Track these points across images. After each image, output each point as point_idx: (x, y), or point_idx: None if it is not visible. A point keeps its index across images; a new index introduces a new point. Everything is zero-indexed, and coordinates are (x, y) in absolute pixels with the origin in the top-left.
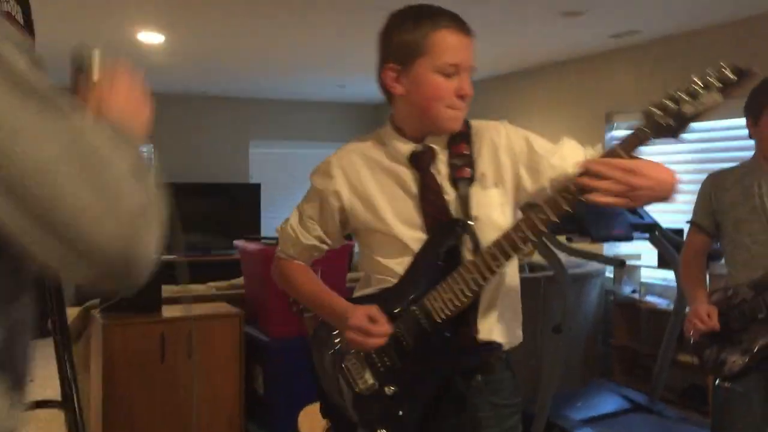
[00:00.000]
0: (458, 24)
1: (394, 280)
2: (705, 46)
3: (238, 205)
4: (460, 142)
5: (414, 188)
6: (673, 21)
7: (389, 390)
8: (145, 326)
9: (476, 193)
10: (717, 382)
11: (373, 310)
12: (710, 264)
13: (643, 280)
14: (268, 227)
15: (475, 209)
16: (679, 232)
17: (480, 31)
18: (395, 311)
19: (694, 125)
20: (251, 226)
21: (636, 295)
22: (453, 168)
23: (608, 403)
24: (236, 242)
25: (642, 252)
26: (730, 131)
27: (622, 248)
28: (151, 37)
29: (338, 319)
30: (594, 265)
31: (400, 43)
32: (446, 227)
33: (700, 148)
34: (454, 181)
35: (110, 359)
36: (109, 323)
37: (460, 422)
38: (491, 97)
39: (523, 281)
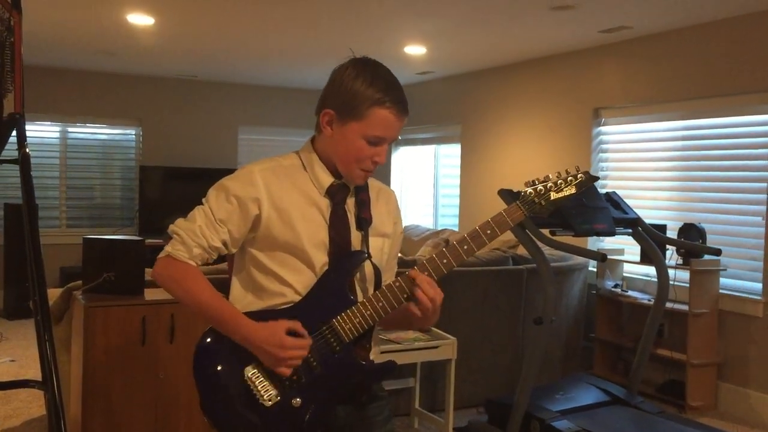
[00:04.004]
0: (399, 107)
1: (294, 296)
2: (694, 44)
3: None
4: (363, 190)
5: (326, 215)
6: (664, 18)
7: (296, 402)
8: (127, 309)
9: (371, 235)
10: None
11: (288, 323)
12: (692, 261)
13: (625, 274)
14: None
15: (369, 248)
16: (662, 228)
17: (470, 24)
18: (306, 329)
19: (675, 125)
20: None
21: (618, 290)
22: (359, 208)
23: (587, 395)
24: None
25: (625, 247)
26: (712, 130)
27: (606, 243)
28: (140, 19)
29: (245, 337)
30: (577, 259)
31: (345, 100)
32: (354, 256)
33: (681, 146)
34: (359, 220)
35: (91, 341)
36: (90, 305)
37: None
38: (480, 91)
39: (506, 273)
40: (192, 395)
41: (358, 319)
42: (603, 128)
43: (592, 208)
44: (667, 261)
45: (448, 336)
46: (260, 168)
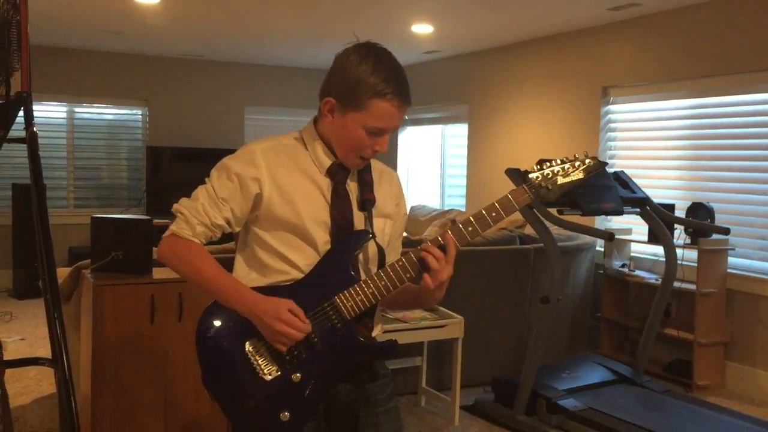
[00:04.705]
0: (402, 98)
1: (297, 274)
2: (704, 21)
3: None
4: (365, 171)
5: (327, 195)
6: None
7: (296, 377)
8: (135, 287)
9: (374, 216)
10: None
11: (292, 304)
12: (700, 241)
13: (632, 254)
14: None
15: (373, 229)
16: (670, 207)
17: (477, 2)
18: (308, 306)
19: (684, 103)
20: None
21: (625, 270)
22: (361, 188)
23: (593, 374)
24: None
25: (632, 226)
26: (721, 108)
27: (614, 222)
28: None
29: (249, 308)
30: (584, 239)
31: (346, 89)
32: (358, 235)
33: (690, 125)
34: (362, 200)
35: (100, 319)
36: (99, 283)
37: (359, 404)
38: (487, 70)
39: (513, 252)
40: (200, 373)
41: (360, 297)
42: (611, 107)
43: (600, 188)
44: (675, 240)
45: (455, 315)
46: (261, 147)
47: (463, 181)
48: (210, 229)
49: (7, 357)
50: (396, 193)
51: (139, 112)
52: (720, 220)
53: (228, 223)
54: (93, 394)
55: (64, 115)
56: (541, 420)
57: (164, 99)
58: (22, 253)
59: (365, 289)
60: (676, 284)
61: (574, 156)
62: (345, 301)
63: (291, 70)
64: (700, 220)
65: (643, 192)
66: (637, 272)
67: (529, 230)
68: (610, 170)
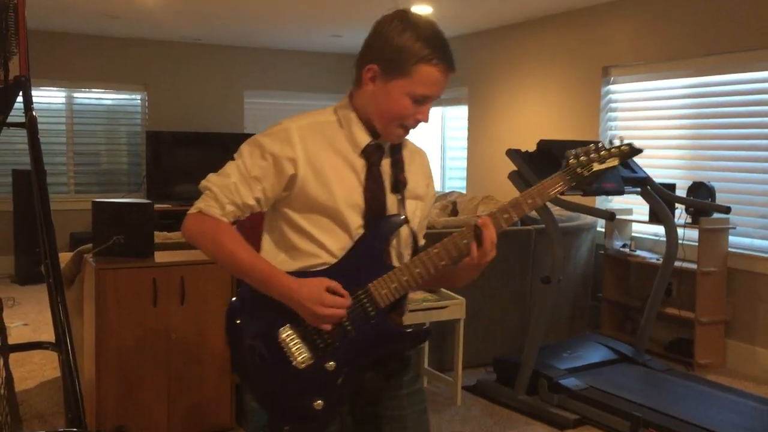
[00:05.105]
0: (447, 63)
1: (329, 258)
2: (706, 1)
3: (233, 154)
4: (397, 150)
5: (361, 177)
6: None
7: (330, 366)
8: (137, 271)
9: (406, 198)
10: None
11: (329, 281)
12: (700, 220)
13: (633, 234)
14: None
15: (406, 212)
16: (671, 187)
17: None
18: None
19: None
20: None
21: (626, 250)
22: (394, 169)
23: (594, 354)
24: None
25: (633, 206)
26: (721, 87)
27: (615, 202)
28: None
29: (287, 294)
30: (585, 219)
31: (390, 55)
32: (392, 220)
33: (690, 104)
34: (395, 182)
35: (103, 303)
36: (101, 267)
37: (389, 392)
38: (487, 51)
39: (515, 233)
40: (204, 355)
41: (394, 285)
42: (612, 87)
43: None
44: (676, 220)
45: (457, 296)
46: (297, 125)
47: (464, 164)
48: (240, 208)
49: (10, 342)
50: (426, 173)
51: (139, 96)
52: (720, 199)
53: (258, 202)
54: (97, 378)
55: (63, 100)
56: (543, 399)
57: (163, 84)
58: (23, 239)
59: (400, 277)
60: (677, 263)
61: (610, 142)
62: (379, 289)
63: (290, 53)
64: (701, 199)
65: (643, 172)
66: (638, 252)
67: None
68: None
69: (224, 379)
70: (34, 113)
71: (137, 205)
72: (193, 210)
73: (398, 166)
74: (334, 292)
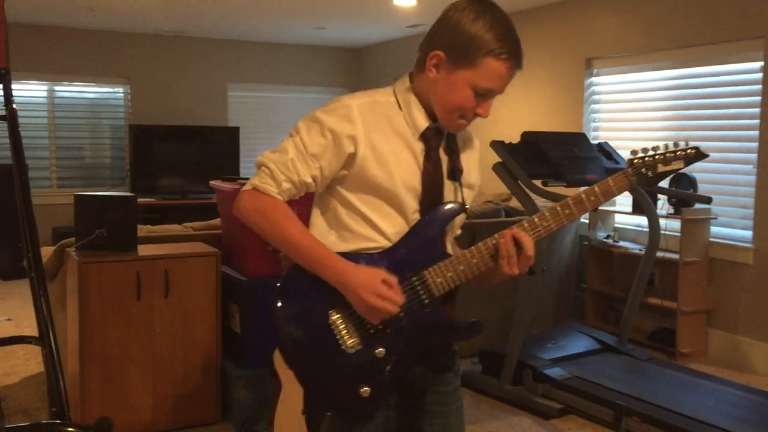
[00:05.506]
0: (515, 59)
1: (384, 242)
2: None
3: (217, 148)
4: (452, 137)
5: (420, 160)
6: None
7: (379, 353)
8: (120, 264)
9: (463, 187)
10: None
11: (386, 273)
12: (682, 210)
13: (616, 225)
14: (247, 171)
15: (463, 200)
16: None
17: None
18: (395, 277)
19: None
20: (230, 170)
21: (610, 240)
22: (450, 156)
23: (578, 344)
24: (212, 182)
25: (616, 198)
26: (703, 78)
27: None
28: None
29: (340, 279)
30: None
31: (459, 44)
32: (449, 206)
33: (673, 96)
34: (452, 168)
35: (86, 297)
36: (84, 260)
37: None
38: None
39: (499, 225)
40: (189, 349)
41: (450, 274)
42: (595, 79)
43: (583, 159)
44: (658, 211)
45: None
46: (358, 103)
47: None
48: (296, 186)
49: None
50: (477, 163)
51: (121, 90)
52: (702, 189)
53: (315, 181)
54: (81, 372)
55: (45, 94)
56: (528, 389)
57: (146, 77)
58: (5, 234)
59: (456, 266)
60: (660, 254)
61: (675, 145)
62: (434, 276)
63: (274, 46)
64: (683, 190)
65: (626, 163)
66: (621, 243)
67: (514, 203)
68: (593, 141)
69: (210, 373)
70: (14, 106)
71: (120, 199)
72: (247, 187)
73: (454, 153)
74: (389, 286)
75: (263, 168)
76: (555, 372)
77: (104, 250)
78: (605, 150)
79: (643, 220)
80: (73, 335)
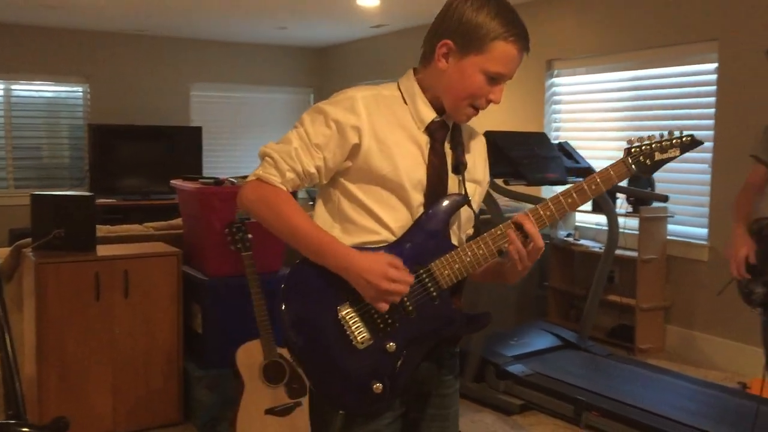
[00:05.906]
0: (523, 41)
1: (388, 236)
2: None
3: (179, 148)
4: (457, 132)
5: (425, 153)
6: None
7: (390, 347)
8: (78, 264)
9: (467, 181)
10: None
11: (391, 256)
12: (640, 209)
13: (577, 224)
14: (210, 171)
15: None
16: None
17: None
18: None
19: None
20: (192, 170)
21: (570, 239)
22: (455, 151)
23: (540, 341)
24: (173, 182)
25: None
26: (660, 80)
27: (558, 192)
28: None
29: (347, 266)
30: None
31: (466, 30)
32: (453, 198)
33: (631, 96)
34: (456, 162)
35: (43, 298)
36: (41, 261)
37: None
38: None
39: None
40: (150, 349)
41: (457, 266)
42: (555, 80)
43: (544, 158)
44: (617, 209)
45: None
46: (363, 95)
47: None
48: (300, 176)
49: None
50: (484, 159)
51: (80, 89)
52: (659, 188)
53: (318, 171)
54: (38, 374)
55: (1, 93)
56: (490, 386)
57: (106, 76)
58: None
59: (462, 257)
60: (619, 252)
61: (670, 133)
62: (441, 269)
63: (236, 45)
64: (641, 189)
65: (586, 162)
66: (582, 241)
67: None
68: (554, 141)
69: (171, 374)
70: None
71: (78, 198)
72: (251, 177)
73: (459, 147)
74: (397, 268)
75: (267, 158)
76: (517, 369)
77: (62, 250)
78: (566, 149)
79: (602, 219)
80: (29, 337)
